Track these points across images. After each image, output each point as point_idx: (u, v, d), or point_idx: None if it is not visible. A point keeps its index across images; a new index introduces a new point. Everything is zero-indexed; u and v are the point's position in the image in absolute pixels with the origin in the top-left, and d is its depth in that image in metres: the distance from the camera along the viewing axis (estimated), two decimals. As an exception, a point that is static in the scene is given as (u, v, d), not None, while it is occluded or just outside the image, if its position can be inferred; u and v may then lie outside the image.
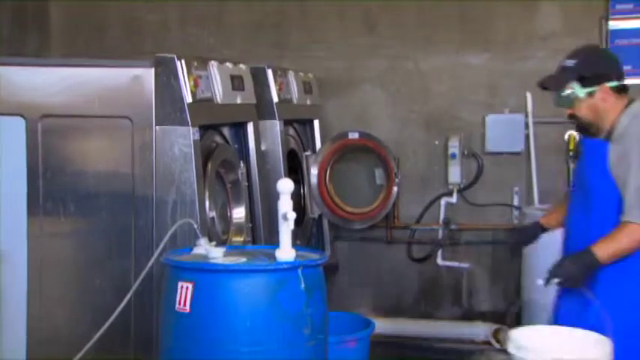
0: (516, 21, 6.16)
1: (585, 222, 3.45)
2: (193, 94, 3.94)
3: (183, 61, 3.90)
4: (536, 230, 3.87)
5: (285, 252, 3.24)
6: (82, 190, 3.99)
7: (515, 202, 6.16)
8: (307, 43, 6.45)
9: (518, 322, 5.51)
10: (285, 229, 3.25)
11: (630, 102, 3.42)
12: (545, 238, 5.16)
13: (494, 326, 5.63)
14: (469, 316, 6.12)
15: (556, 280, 3.24)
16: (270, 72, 5.20)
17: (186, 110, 3.87)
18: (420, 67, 6.27)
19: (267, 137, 5.09)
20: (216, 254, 3.29)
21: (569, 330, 3.04)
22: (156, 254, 3.33)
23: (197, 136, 3.93)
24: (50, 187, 4.00)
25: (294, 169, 5.65)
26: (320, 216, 5.90)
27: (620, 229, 3.28)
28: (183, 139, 3.88)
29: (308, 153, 5.85)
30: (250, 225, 4.66)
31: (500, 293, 6.23)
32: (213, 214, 4.31)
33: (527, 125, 6.08)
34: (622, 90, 3.40)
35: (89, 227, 3.99)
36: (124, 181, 3.92)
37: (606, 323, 2.98)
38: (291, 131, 5.67)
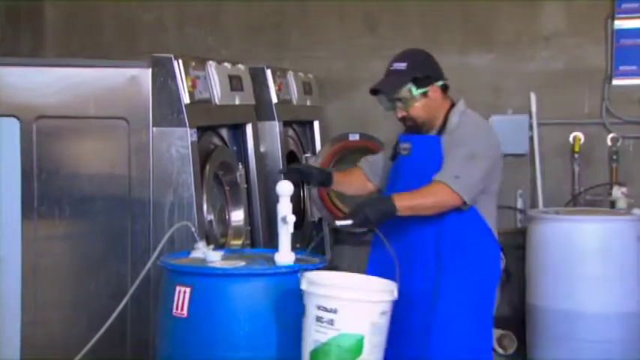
0: (520, 21, 6.16)
1: (438, 218, 3.54)
2: (191, 95, 3.94)
3: (180, 61, 3.91)
4: (319, 176, 3.79)
5: (285, 256, 3.25)
6: (78, 193, 3.99)
7: (519, 206, 6.16)
8: (307, 43, 6.45)
9: (522, 326, 5.51)
10: (285, 233, 3.26)
11: (453, 102, 3.67)
12: (553, 243, 5.21)
13: (499, 332, 5.62)
14: (472, 321, 6.11)
15: (349, 222, 3.32)
16: (269, 72, 5.21)
17: (184, 111, 3.87)
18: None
19: (267, 139, 5.09)
20: (215, 258, 3.29)
21: (362, 276, 3.25)
22: (153, 258, 3.33)
23: (195, 138, 3.93)
24: (45, 190, 4.00)
25: (294, 171, 5.64)
26: (320, 219, 5.91)
27: (429, 185, 3.47)
28: (181, 140, 3.88)
29: (308, 155, 5.85)
30: (249, 228, 4.66)
31: (505, 298, 6.22)
32: (211, 216, 4.31)
33: (531, 126, 6.09)
34: (446, 89, 3.66)
35: (85, 230, 3.99)
36: (121, 183, 3.93)
37: (395, 269, 3.16)
38: (291, 132, 5.67)
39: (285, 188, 3.28)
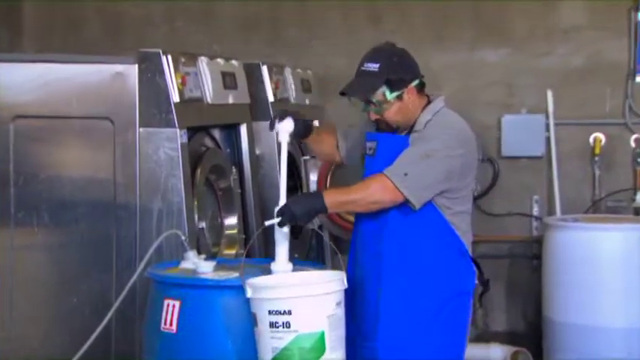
0: (536, 13, 6.16)
1: (384, 213, 3.55)
2: (181, 93, 3.94)
3: (169, 57, 3.91)
4: (302, 127, 3.82)
5: (282, 265, 3.24)
6: (58, 199, 3.99)
7: (535, 212, 6.16)
8: (306, 38, 6.45)
9: (539, 342, 5.50)
10: (282, 241, 3.25)
11: (430, 98, 3.64)
12: (571, 253, 5.21)
13: (513, 348, 5.61)
14: (484, 336, 6.10)
15: (276, 220, 3.31)
16: (265, 69, 5.20)
17: (173, 110, 3.87)
18: (429, 64, 6.22)
19: (262, 140, 5.08)
20: (206, 268, 3.29)
21: (307, 272, 3.30)
22: (139, 269, 3.34)
23: (185, 139, 3.93)
24: (23, 195, 4.00)
25: (292, 174, 5.64)
26: (320, 226, 5.89)
27: (366, 179, 3.50)
28: (170, 142, 3.88)
29: (307, 157, 5.84)
30: (243, 236, 4.66)
31: (519, 312, 6.22)
32: (202, 224, 4.31)
33: (547, 127, 6.08)
34: (423, 86, 3.62)
35: (66, 239, 3.99)
36: (105, 188, 3.92)
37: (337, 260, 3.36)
38: (289, 134, 5.66)
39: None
